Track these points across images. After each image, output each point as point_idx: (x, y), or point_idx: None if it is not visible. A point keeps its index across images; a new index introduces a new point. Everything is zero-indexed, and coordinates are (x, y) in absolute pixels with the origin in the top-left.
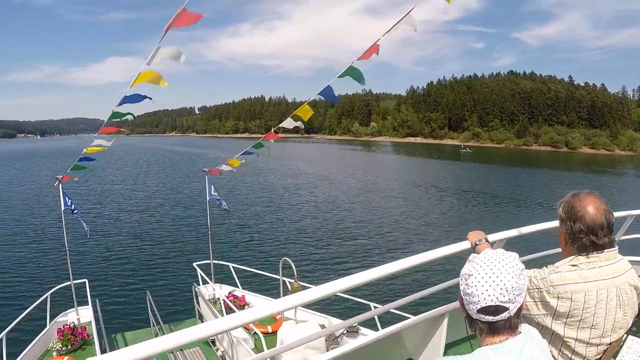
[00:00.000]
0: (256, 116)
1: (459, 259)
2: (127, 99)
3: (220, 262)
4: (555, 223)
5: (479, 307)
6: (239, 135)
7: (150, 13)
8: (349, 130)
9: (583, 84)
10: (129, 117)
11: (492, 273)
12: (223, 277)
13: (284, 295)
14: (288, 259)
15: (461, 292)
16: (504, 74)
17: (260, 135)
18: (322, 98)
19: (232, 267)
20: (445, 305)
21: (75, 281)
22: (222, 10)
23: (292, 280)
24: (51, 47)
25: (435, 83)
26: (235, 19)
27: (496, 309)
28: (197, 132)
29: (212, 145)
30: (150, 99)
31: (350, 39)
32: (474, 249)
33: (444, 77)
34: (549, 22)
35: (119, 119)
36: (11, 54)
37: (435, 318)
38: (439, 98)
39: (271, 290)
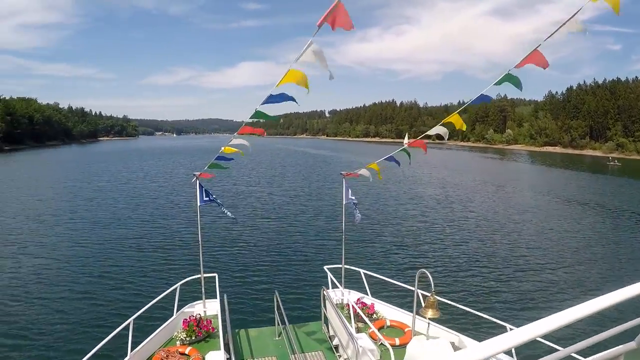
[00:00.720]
0: (387, 120)
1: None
2: (272, 99)
3: (352, 268)
4: None
5: None
6: (369, 139)
7: (280, 20)
8: (483, 137)
9: None
10: (276, 118)
11: None
12: (353, 282)
13: (417, 309)
14: (426, 271)
15: None
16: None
17: (392, 140)
18: (473, 104)
19: (363, 273)
20: (622, 346)
21: (205, 275)
22: (351, 16)
23: (429, 295)
24: (187, 52)
25: (575, 88)
26: (364, 24)
27: None
28: (328, 135)
29: (344, 148)
30: (295, 101)
31: (479, 42)
32: None
33: (584, 82)
34: None
35: (261, 119)
36: (150, 59)
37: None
38: (579, 104)
39: (401, 300)
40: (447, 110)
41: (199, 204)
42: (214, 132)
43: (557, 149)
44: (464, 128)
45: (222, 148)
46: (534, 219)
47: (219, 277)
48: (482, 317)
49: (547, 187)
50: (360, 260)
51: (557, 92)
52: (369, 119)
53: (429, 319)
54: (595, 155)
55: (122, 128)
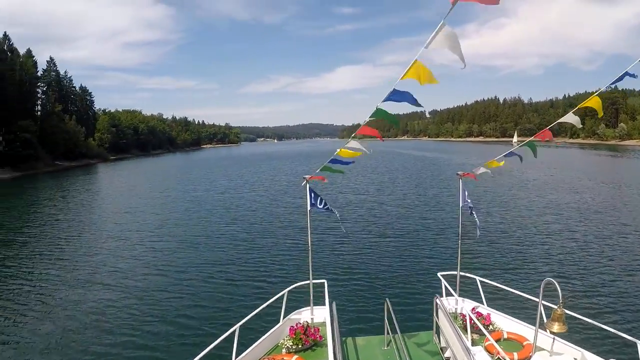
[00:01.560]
0: (490, 119)
1: None
2: (395, 96)
3: (468, 275)
4: None
5: None
6: (472, 138)
7: (375, 22)
8: (594, 133)
9: None
10: (396, 120)
11: None
12: (468, 291)
13: (540, 321)
14: (553, 280)
15: None
16: None
17: (497, 140)
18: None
19: (479, 280)
20: None
21: (314, 281)
22: (444, 12)
23: (557, 307)
24: (285, 60)
25: None
26: (461, 21)
27: None
28: (429, 136)
29: (449, 149)
30: (418, 103)
31: (580, 31)
32: None
33: None
34: None
35: (381, 118)
36: (249, 68)
37: None
38: None
39: (520, 312)
40: (552, 105)
41: (309, 207)
42: (315, 136)
43: None
44: (601, 114)
45: (338, 150)
46: None
47: (327, 284)
48: (609, 331)
49: None
50: (477, 267)
51: None
52: (471, 118)
53: (554, 333)
54: None
55: (225, 135)
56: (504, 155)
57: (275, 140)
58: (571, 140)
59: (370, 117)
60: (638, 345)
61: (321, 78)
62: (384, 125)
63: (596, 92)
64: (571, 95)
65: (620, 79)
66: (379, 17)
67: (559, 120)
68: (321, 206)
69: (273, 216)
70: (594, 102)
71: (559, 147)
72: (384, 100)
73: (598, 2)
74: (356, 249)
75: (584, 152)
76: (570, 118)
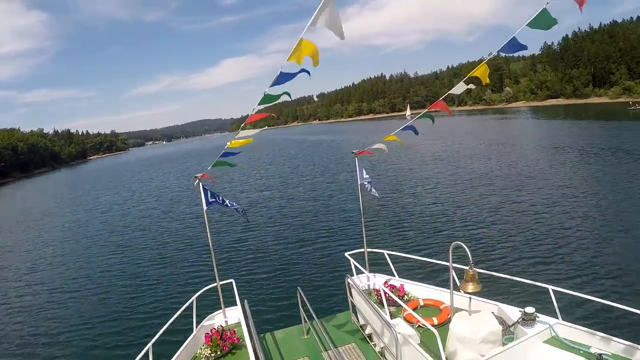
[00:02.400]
0: (379, 95)
1: None
2: (283, 77)
3: (375, 250)
4: None
5: None
6: (363, 117)
7: (258, 12)
8: (481, 99)
9: None
10: (286, 96)
11: None
12: (378, 266)
13: (454, 284)
14: (461, 243)
15: None
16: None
17: (388, 115)
18: (503, 54)
19: (387, 254)
20: None
21: (221, 282)
22: None
23: (468, 268)
24: (169, 58)
25: (570, 37)
26: (342, 3)
27: None
28: (320, 119)
29: (342, 130)
30: (309, 73)
31: (460, 7)
32: None
33: (578, 29)
34: None
35: (271, 103)
36: (132, 71)
37: None
38: (578, 52)
39: (433, 279)
40: (437, 77)
41: (204, 207)
42: (205, 133)
43: (561, 101)
44: (486, 81)
45: (228, 144)
46: (561, 174)
47: (236, 283)
48: (521, 282)
49: (564, 140)
50: (384, 242)
51: (552, 42)
52: (360, 96)
53: (469, 293)
54: (602, 102)
55: (112, 143)
56: (401, 129)
57: (164, 142)
58: (459, 108)
59: (259, 104)
60: (549, 290)
61: (207, 73)
62: (273, 112)
63: (479, 61)
64: (454, 66)
65: (511, 49)
66: (263, 6)
67: (450, 91)
68: (220, 202)
69: (169, 223)
70: (481, 72)
71: (450, 116)
72: (272, 85)
73: None
74: (261, 242)
75: (473, 118)
76: (461, 87)
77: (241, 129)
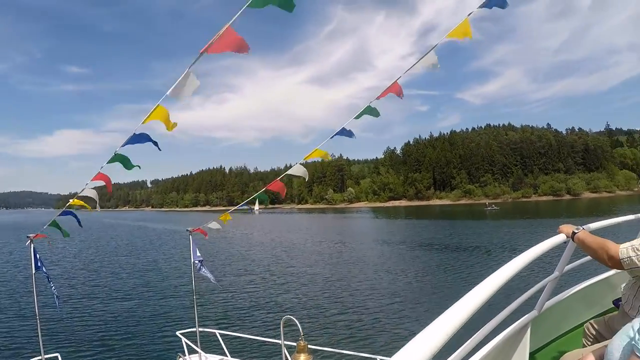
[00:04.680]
0: (217, 187)
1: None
2: (134, 139)
3: (207, 330)
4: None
5: None
6: (199, 208)
7: (102, 85)
8: (323, 198)
9: (570, 130)
10: (137, 167)
11: None
12: (211, 346)
13: (287, 357)
14: (292, 317)
15: None
16: (446, 133)
17: (225, 208)
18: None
19: (219, 334)
20: (526, 316)
21: (46, 356)
22: (170, 84)
23: (300, 339)
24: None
25: (412, 143)
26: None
27: None
28: (153, 206)
29: (178, 219)
30: (157, 145)
31: (299, 109)
32: (572, 239)
33: (419, 136)
34: (488, 80)
35: (120, 163)
36: None
37: (518, 330)
38: (420, 157)
39: (269, 355)
40: (276, 174)
41: (33, 271)
42: (27, 206)
43: (403, 202)
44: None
45: (71, 200)
46: (383, 261)
47: (61, 357)
48: (349, 354)
49: (395, 236)
50: (217, 320)
51: (395, 147)
52: (197, 187)
53: None
54: (444, 203)
55: None
56: (235, 209)
57: None
58: (299, 206)
59: (107, 162)
60: (377, 359)
61: (38, 140)
62: (104, 194)
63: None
64: (293, 164)
65: (341, 133)
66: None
67: (287, 172)
68: (44, 270)
69: None
70: (319, 153)
71: (287, 213)
72: (124, 145)
73: (317, 85)
74: (87, 317)
75: (312, 216)
76: (297, 169)
77: (85, 188)
